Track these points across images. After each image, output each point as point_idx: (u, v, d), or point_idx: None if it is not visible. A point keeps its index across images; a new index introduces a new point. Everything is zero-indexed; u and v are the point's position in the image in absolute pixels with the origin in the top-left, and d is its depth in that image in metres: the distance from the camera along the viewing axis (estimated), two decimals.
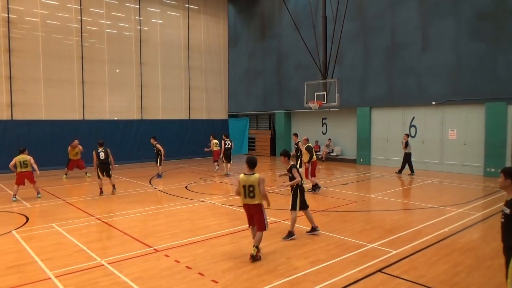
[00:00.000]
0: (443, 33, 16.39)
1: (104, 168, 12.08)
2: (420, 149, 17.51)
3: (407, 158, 16.00)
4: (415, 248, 6.82)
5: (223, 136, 16.86)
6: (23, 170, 11.20)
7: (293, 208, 7.44)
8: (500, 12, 14.87)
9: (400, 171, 16.20)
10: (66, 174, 16.06)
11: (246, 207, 6.38)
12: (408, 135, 16.44)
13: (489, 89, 15.12)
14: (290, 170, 7.48)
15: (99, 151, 12.18)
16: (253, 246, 6.25)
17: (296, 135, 13.81)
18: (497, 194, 11.66)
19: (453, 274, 5.68)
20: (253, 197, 6.21)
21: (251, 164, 6.34)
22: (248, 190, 6.22)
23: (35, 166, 11.41)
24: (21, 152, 11.49)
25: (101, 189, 12.07)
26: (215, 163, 17.44)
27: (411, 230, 7.96)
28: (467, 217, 8.97)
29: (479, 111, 15.70)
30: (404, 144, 16.08)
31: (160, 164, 15.71)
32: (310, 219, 7.68)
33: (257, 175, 6.25)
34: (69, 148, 15.98)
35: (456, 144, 16.42)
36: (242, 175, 6.32)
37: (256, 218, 6.33)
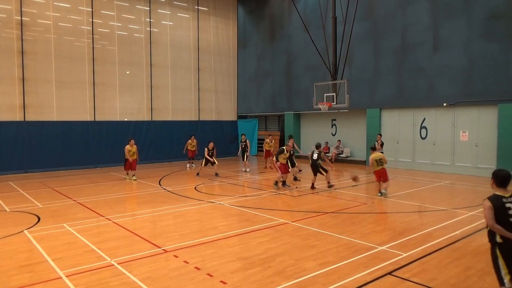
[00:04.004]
0: (455, 34, 16.20)
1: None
2: (431, 151, 17.33)
3: None
4: (425, 251, 6.74)
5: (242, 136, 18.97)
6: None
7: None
8: None
9: None
10: (128, 174, 15.72)
11: (378, 172, 11.43)
12: (381, 135, 17.39)
13: (502, 90, 14.89)
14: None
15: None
16: (380, 192, 11.55)
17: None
18: None
19: (465, 278, 5.60)
20: (382, 164, 11.35)
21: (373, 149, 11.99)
22: (379, 162, 11.29)
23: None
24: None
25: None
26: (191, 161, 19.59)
27: (421, 233, 7.86)
28: (479, 220, 8.82)
29: (491, 113, 15.48)
30: (380, 144, 16.77)
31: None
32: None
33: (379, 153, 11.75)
34: (127, 147, 15.37)
35: (468, 146, 16.20)
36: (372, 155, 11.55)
37: (384, 176, 11.40)
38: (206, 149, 16.34)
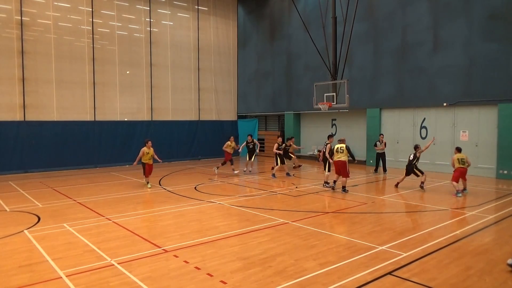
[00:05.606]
0: (455, 33, 16.20)
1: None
2: (431, 151, 17.28)
3: (383, 157, 17.02)
4: (425, 250, 6.74)
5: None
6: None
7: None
8: None
9: (385, 170, 17.05)
10: (147, 181, 13.91)
11: (459, 170, 11.81)
12: (383, 135, 17.41)
13: (502, 90, 14.89)
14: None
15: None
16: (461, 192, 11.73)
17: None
18: (510, 197, 11.48)
19: (465, 278, 5.60)
20: (464, 164, 11.89)
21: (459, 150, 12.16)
22: (460, 161, 11.88)
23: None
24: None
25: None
26: (223, 165, 17.22)
27: (422, 233, 7.87)
28: (479, 220, 8.84)
29: (491, 112, 15.48)
30: (384, 144, 16.95)
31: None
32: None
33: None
34: (145, 149, 13.74)
35: (468, 146, 16.18)
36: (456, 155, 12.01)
37: (464, 175, 11.91)
38: (276, 144, 15.89)
